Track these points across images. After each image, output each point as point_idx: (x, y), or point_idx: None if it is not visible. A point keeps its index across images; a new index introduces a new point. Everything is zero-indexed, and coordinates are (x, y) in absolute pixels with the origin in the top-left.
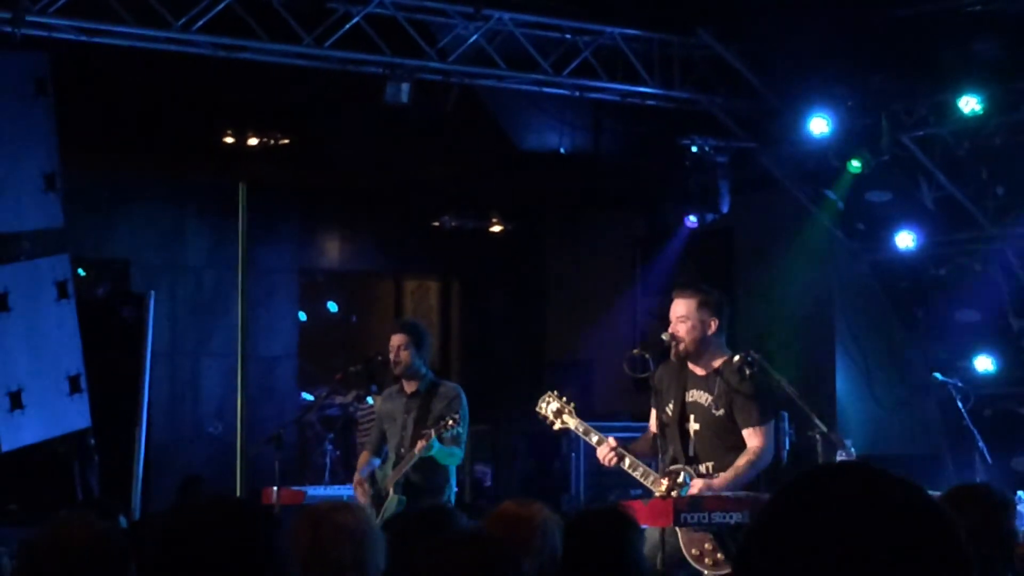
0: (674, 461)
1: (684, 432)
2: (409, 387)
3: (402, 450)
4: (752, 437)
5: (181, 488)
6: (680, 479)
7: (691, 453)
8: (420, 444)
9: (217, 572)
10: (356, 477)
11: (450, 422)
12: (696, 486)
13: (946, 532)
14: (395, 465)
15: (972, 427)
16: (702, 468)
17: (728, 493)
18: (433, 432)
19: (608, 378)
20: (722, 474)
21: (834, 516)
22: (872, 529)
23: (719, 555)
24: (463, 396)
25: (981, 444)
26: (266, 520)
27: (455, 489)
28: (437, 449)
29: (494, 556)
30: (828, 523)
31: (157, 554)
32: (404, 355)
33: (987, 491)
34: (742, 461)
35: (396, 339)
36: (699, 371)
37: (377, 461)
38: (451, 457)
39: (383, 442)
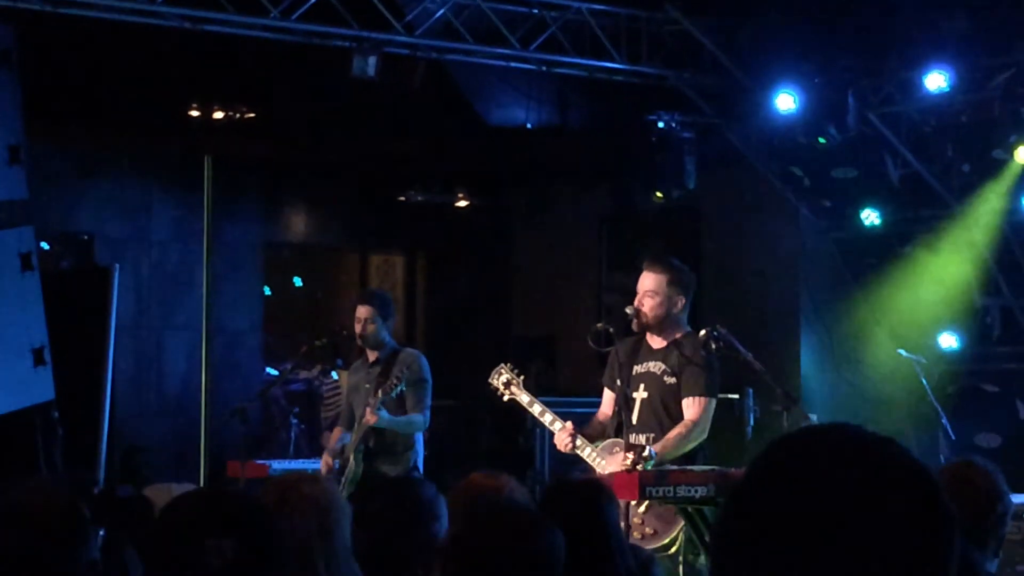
0: (618, 431)
1: (631, 402)
2: (372, 356)
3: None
4: (690, 407)
5: (123, 458)
6: (645, 453)
7: (634, 422)
8: (366, 415)
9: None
10: (325, 455)
11: (393, 382)
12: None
13: (928, 487)
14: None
15: (936, 403)
16: (642, 438)
17: (695, 467)
18: (379, 399)
19: (573, 353)
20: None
21: (816, 476)
22: (855, 487)
23: (647, 529)
24: (422, 359)
25: (945, 421)
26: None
27: (422, 454)
28: (388, 420)
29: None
30: (810, 483)
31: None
32: (371, 327)
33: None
34: (672, 434)
35: (362, 311)
36: (655, 344)
37: (348, 436)
38: (408, 425)
39: (353, 415)
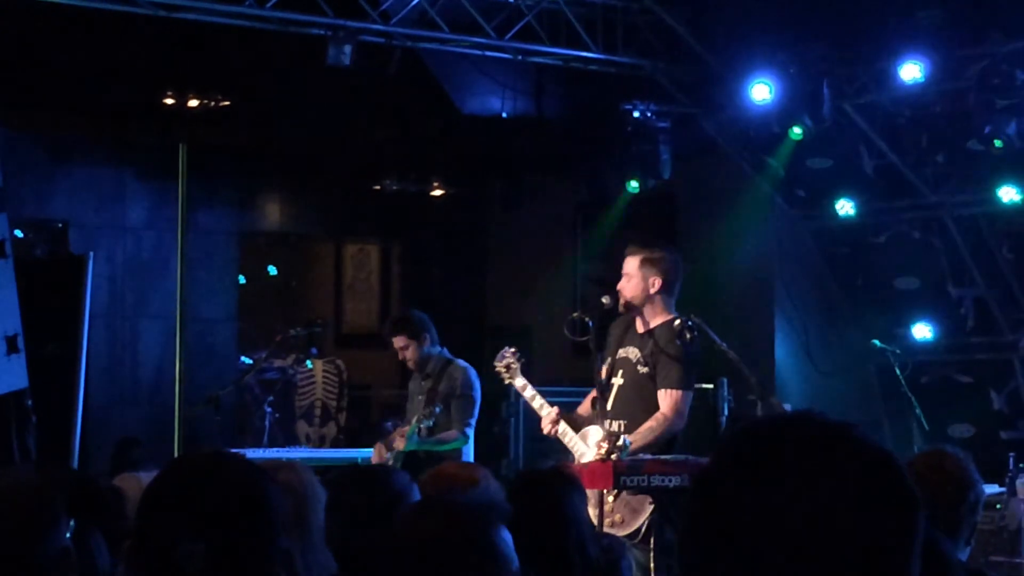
0: (595, 418)
1: (609, 387)
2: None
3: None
4: (665, 399)
5: (117, 449)
6: (620, 442)
7: (608, 408)
8: (396, 441)
9: (212, 525)
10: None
11: (422, 415)
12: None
13: (890, 471)
14: None
15: (910, 394)
16: (615, 425)
17: (668, 456)
18: (412, 426)
19: (548, 343)
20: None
21: (778, 463)
22: (817, 473)
23: (617, 516)
24: (469, 373)
25: (918, 411)
26: (261, 475)
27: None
28: (416, 443)
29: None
30: (773, 470)
31: (149, 510)
32: (409, 353)
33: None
34: (644, 427)
35: (396, 342)
36: (639, 328)
37: None
38: (441, 443)
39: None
